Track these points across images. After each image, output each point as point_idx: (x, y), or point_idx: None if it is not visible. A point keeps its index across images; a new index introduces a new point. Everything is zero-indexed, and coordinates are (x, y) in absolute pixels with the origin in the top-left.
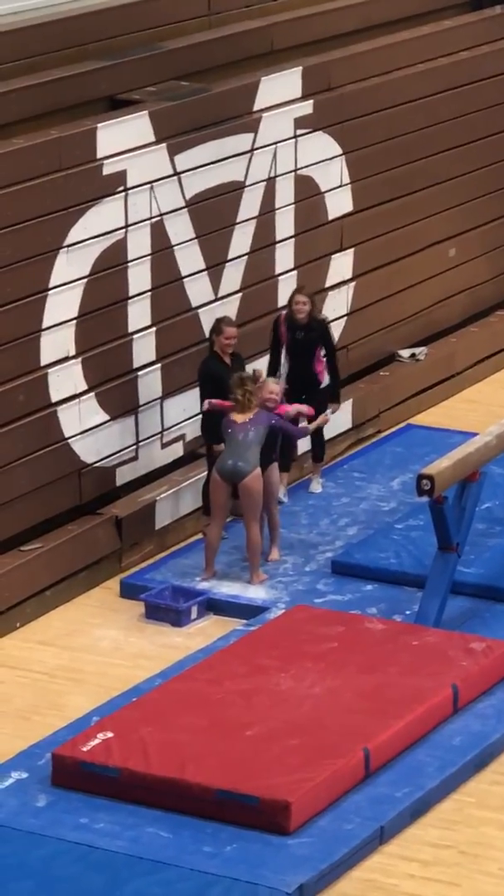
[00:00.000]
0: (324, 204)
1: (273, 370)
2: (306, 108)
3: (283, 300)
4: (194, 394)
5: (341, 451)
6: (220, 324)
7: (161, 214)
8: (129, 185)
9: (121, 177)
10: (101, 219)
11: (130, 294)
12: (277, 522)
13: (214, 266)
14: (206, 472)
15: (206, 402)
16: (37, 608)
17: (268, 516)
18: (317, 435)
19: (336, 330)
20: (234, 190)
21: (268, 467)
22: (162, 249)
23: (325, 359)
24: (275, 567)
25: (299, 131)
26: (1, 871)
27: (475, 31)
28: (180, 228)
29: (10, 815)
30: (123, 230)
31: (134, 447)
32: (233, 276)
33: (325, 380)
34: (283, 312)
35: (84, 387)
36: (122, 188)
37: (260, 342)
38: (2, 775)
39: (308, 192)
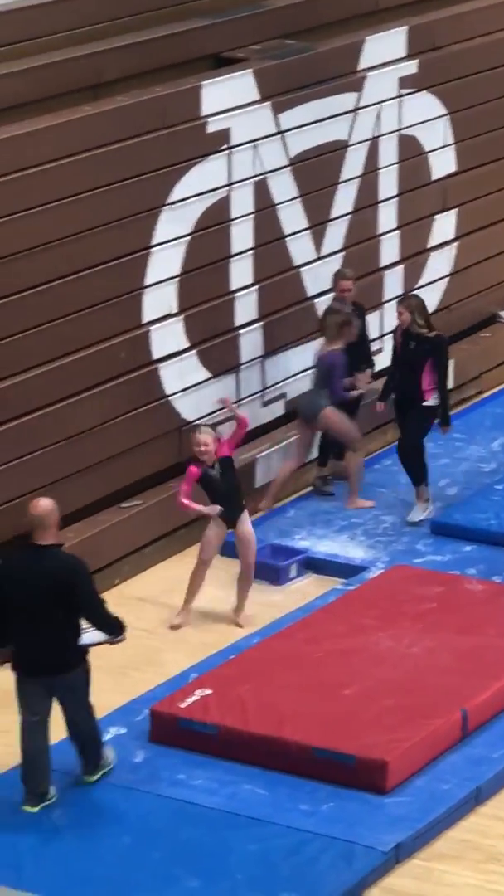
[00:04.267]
0: (427, 164)
1: (390, 379)
2: (411, 67)
3: (385, 260)
4: (295, 352)
5: None
6: (335, 277)
7: (265, 173)
8: (232, 143)
9: (224, 135)
10: (204, 177)
11: (233, 252)
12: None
13: (317, 225)
14: None
15: None
16: (135, 565)
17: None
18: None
19: (438, 291)
20: (337, 149)
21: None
22: (265, 208)
23: (434, 374)
24: (374, 526)
25: (403, 91)
26: (99, 826)
27: None
28: (284, 187)
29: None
30: (227, 188)
31: (235, 405)
32: (335, 234)
33: (431, 399)
34: None
35: (186, 344)
36: (225, 146)
37: (361, 300)
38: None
39: (412, 152)
